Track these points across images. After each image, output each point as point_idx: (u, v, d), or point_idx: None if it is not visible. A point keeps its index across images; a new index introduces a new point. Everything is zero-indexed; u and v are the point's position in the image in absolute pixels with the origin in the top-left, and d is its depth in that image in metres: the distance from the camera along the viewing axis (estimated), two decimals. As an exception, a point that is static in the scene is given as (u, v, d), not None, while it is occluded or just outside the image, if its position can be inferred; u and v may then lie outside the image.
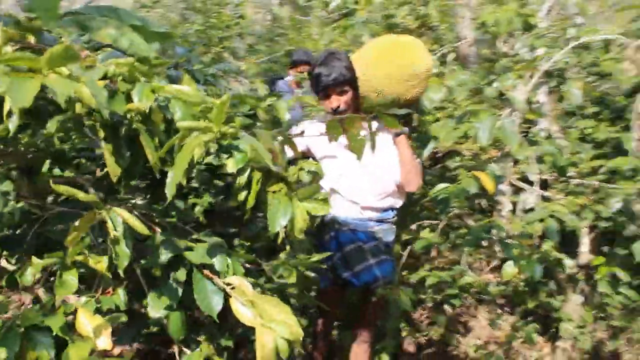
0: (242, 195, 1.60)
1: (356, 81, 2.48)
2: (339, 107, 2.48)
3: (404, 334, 3.59)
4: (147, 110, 1.26)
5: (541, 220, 2.44)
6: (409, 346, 3.63)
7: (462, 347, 3.61)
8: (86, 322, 1.46)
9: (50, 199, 2.00)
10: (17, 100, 1.18)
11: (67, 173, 1.98)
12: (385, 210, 2.67)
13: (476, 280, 3.21)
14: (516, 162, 2.74)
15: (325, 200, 1.54)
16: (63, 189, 1.26)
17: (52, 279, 1.72)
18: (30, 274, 1.32)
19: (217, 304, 1.36)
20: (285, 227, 1.50)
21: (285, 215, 1.44)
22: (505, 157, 2.57)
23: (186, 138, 1.26)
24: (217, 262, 1.42)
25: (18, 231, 1.85)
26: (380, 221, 2.65)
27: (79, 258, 1.30)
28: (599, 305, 3.37)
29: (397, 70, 2.39)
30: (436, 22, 2.90)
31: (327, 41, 3.16)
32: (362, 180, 2.59)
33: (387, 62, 2.40)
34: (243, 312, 1.29)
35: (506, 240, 2.43)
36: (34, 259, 1.32)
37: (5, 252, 1.80)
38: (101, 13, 4.76)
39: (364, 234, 2.62)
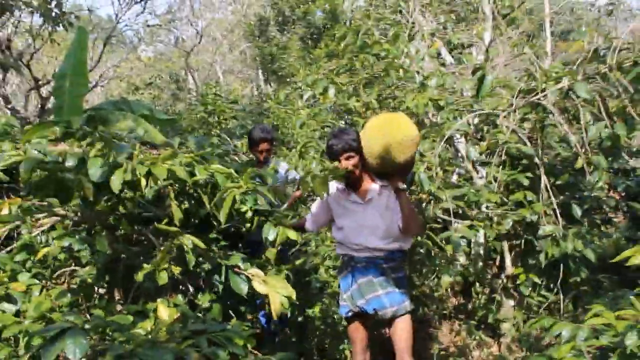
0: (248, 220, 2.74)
1: (361, 150, 3.08)
2: (346, 169, 3.07)
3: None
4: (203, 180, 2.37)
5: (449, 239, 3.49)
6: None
7: (430, 352, 4.57)
8: (163, 311, 2.50)
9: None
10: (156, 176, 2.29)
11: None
12: (392, 251, 3.17)
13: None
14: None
15: (294, 230, 2.70)
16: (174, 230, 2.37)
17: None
18: (141, 275, 2.36)
19: (244, 288, 2.42)
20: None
21: (273, 233, 2.56)
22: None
23: (225, 192, 2.36)
24: (242, 263, 2.48)
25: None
26: (388, 260, 3.17)
27: (165, 265, 2.35)
28: (527, 306, 4.39)
29: (389, 140, 2.96)
30: (377, 107, 4.06)
31: (300, 123, 4.29)
32: (372, 228, 3.13)
33: (382, 135, 3.00)
34: (260, 287, 2.35)
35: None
36: (145, 266, 2.37)
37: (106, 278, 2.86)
38: (116, 106, 6.14)
39: (374, 270, 3.15)
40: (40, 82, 13.36)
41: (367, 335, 3.29)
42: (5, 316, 2.32)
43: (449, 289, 5.83)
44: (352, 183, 3.17)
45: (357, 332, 3.25)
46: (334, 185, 3.24)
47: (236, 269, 2.44)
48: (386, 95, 4.10)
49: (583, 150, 3.28)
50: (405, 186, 3.19)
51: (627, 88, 2.84)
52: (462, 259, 5.18)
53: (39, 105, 12.98)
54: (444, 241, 3.68)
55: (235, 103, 7.58)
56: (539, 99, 3.20)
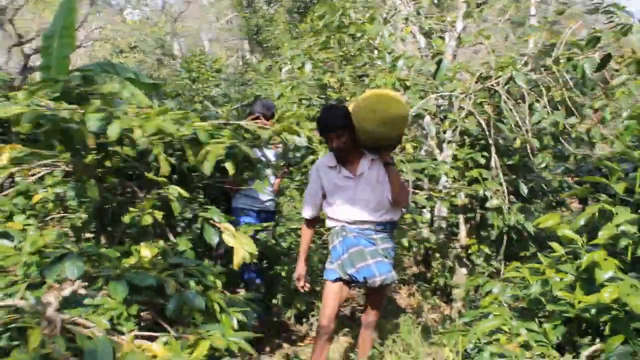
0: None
1: (352, 126, 3.13)
2: (337, 146, 3.16)
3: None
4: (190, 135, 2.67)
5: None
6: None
7: (386, 312, 4.97)
8: (146, 251, 2.81)
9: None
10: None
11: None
12: (383, 223, 3.26)
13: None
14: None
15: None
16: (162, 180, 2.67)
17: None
18: (128, 217, 2.67)
19: (215, 238, 2.75)
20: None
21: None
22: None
23: (209, 146, 2.66)
24: (216, 216, 2.81)
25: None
26: (378, 231, 3.26)
27: (150, 211, 2.66)
28: (477, 274, 4.80)
29: (382, 115, 3.04)
30: (349, 83, 4.37)
31: (278, 94, 4.60)
32: (364, 202, 3.22)
33: (372, 111, 3.07)
34: (229, 240, 2.69)
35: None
36: (131, 209, 2.69)
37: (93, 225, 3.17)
38: (102, 68, 6.43)
39: (365, 240, 3.24)
40: (23, 39, 13.32)
41: (341, 301, 3.36)
42: (5, 248, 2.61)
43: (411, 258, 6.26)
44: (342, 158, 3.25)
45: (335, 296, 3.28)
46: (324, 163, 3.34)
47: (211, 221, 2.77)
48: (359, 73, 4.41)
49: (529, 134, 3.65)
50: (394, 159, 3.31)
51: (566, 80, 3.20)
52: (425, 231, 5.58)
53: (23, 63, 12.98)
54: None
55: (219, 72, 7.83)
56: (492, 85, 3.55)
